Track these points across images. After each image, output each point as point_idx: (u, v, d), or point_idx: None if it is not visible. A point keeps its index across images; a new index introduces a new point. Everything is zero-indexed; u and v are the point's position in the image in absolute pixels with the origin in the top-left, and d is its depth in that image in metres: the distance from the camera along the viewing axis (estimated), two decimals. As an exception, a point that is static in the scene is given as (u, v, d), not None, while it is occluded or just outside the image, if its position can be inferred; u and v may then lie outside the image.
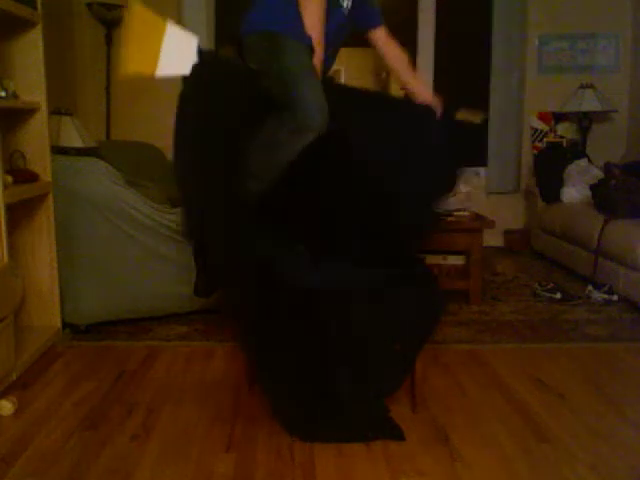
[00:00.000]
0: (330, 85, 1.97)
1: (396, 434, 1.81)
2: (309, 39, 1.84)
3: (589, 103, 4.38)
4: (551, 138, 4.70)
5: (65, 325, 2.67)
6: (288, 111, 1.81)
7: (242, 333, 1.89)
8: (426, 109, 2.12)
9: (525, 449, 1.76)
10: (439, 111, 2.14)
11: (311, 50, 1.85)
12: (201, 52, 1.87)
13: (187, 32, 1.65)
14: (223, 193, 1.86)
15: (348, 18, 2.02)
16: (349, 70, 6.54)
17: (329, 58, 2.00)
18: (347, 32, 2.07)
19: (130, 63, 4.43)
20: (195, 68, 1.92)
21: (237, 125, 1.88)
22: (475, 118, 2.86)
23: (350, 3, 2.00)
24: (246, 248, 1.88)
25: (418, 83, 2.21)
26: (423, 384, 2.08)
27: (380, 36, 2.19)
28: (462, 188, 3.20)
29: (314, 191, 1.99)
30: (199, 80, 1.91)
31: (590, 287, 3.30)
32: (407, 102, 2.23)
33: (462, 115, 2.46)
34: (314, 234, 1.99)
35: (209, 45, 4.43)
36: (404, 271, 1.98)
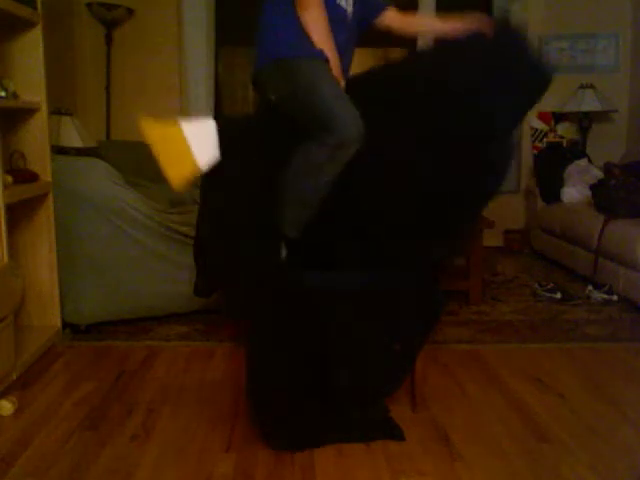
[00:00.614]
0: (350, 86, 1.94)
1: (396, 434, 1.82)
2: (320, 53, 1.81)
3: (589, 103, 4.38)
4: (551, 138, 4.70)
5: (65, 325, 2.67)
6: (324, 130, 1.75)
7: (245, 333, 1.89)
8: (473, 36, 1.86)
9: (525, 449, 1.75)
10: (489, 28, 1.85)
11: (327, 62, 1.81)
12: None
13: (200, 120, 1.66)
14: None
15: (354, 22, 1.99)
16: (349, 70, 6.53)
17: (345, 67, 1.96)
18: (357, 36, 2.03)
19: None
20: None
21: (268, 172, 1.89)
22: None
23: (352, 8, 1.97)
24: (246, 248, 1.87)
25: (452, 22, 1.96)
26: (423, 384, 2.08)
27: (392, 15, 2.11)
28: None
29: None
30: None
31: (590, 287, 3.30)
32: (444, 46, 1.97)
33: None
34: (314, 236, 1.98)
35: (209, 45, 4.43)
36: (404, 271, 1.97)
